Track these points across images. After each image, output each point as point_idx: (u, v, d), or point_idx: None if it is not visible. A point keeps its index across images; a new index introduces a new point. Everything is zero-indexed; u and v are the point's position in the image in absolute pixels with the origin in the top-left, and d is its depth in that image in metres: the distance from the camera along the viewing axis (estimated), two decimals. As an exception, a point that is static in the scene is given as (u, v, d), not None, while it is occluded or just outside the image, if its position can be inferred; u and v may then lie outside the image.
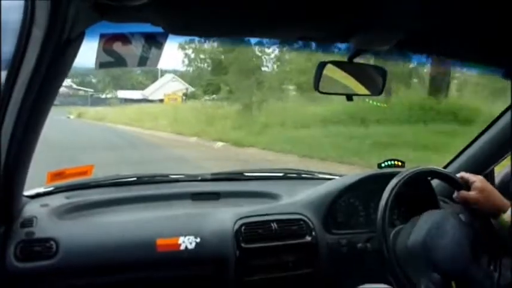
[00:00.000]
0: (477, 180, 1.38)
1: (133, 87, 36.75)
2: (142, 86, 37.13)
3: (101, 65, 1.09)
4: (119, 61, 1.10)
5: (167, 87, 31.81)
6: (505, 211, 1.32)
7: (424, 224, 1.38)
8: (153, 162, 8.35)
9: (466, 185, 1.40)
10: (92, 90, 36.91)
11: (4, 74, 0.92)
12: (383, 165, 1.82)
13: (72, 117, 25.64)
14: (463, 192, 1.37)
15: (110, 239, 1.46)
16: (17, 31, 0.85)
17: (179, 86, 30.65)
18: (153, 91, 33.71)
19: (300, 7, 0.99)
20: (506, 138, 1.74)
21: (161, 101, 29.26)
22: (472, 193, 1.35)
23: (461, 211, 1.40)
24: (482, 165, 1.85)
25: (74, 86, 35.53)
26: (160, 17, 1.03)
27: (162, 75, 36.08)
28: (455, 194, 1.40)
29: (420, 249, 1.33)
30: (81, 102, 32.85)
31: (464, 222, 1.36)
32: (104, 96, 36.50)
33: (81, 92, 37.21)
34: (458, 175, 1.44)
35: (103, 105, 30.45)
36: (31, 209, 1.50)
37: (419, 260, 1.33)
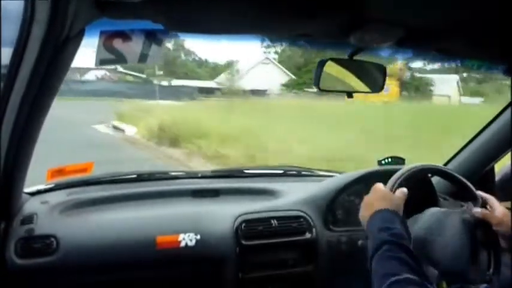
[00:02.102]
0: (499, 205, 1.34)
1: (186, 76, 28.04)
2: (195, 76, 28.73)
3: (101, 61, 1.09)
4: (119, 58, 1.10)
5: (255, 73, 23.17)
6: None
7: (425, 221, 1.38)
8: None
9: (481, 201, 1.37)
10: (144, 75, 26.13)
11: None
12: (383, 162, 1.82)
13: (131, 133, 10.83)
14: (487, 212, 1.33)
15: (110, 236, 1.46)
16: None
17: (274, 71, 22.04)
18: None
19: (299, 4, 0.99)
20: (506, 135, 1.73)
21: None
22: (496, 215, 1.31)
23: (463, 210, 1.40)
24: (483, 162, 1.85)
25: (121, 69, 24.42)
26: (160, 14, 1.02)
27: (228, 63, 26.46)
28: (475, 209, 1.35)
29: (420, 247, 1.33)
30: (134, 92, 20.49)
31: (465, 221, 1.36)
32: (165, 83, 24.55)
33: (129, 77, 26.40)
34: (479, 193, 1.41)
35: (189, 99, 18.88)
36: (31, 206, 1.50)
37: (420, 258, 1.33)
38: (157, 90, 21.27)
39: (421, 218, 1.40)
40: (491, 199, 1.39)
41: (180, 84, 24.74)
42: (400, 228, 1.12)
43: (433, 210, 1.43)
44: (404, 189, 1.26)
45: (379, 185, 1.28)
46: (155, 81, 24.62)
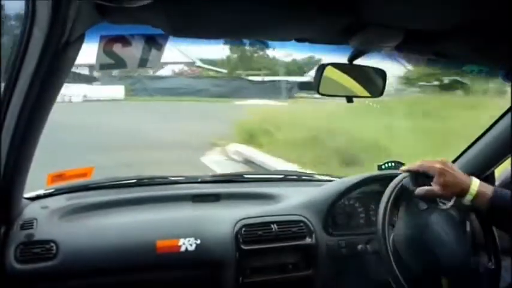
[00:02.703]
0: (436, 171, 1.31)
1: (261, 73, 22.30)
2: (270, 72, 22.82)
3: (101, 66, 1.09)
4: (119, 63, 1.10)
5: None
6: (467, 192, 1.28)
7: (415, 224, 1.37)
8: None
9: (426, 175, 1.35)
10: (224, 70, 21.38)
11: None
12: (383, 166, 1.82)
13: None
14: (426, 189, 1.32)
15: (110, 240, 1.46)
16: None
17: (386, 62, 16.95)
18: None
19: (298, 7, 0.99)
20: (506, 140, 1.73)
21: None
22: (433, 187, 1.31)
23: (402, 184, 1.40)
24: (483, 167, 1.85)
25: (199, 63, 20.68)
26: (160, 19, 1.03)
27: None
28: (419, 189, 1.34)
29: (420, 249, 1.33)
30: (221, 90, 18.22)
31: (454, 218, 1.35)
32: (258, 79, 19.71)
33: (212, 73, 21.48)
34: (416, 165, 1.39)
35: (289, 97, 15.63)
36: (31, 211, 1.50)
37: (420, 260, 1.33)
38: (287, 88, 16.30)
39: (411, 222, 1.38)
40: (426, 167, 1.35)
41: (274, 80, 19.22)
42: None
43: (404, 220, 1.40)
44: None
45: None
46: (238, 75, 20.41)
